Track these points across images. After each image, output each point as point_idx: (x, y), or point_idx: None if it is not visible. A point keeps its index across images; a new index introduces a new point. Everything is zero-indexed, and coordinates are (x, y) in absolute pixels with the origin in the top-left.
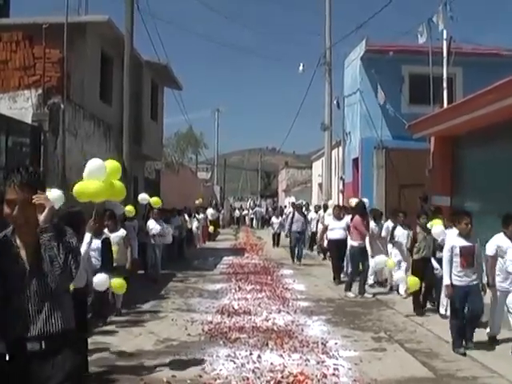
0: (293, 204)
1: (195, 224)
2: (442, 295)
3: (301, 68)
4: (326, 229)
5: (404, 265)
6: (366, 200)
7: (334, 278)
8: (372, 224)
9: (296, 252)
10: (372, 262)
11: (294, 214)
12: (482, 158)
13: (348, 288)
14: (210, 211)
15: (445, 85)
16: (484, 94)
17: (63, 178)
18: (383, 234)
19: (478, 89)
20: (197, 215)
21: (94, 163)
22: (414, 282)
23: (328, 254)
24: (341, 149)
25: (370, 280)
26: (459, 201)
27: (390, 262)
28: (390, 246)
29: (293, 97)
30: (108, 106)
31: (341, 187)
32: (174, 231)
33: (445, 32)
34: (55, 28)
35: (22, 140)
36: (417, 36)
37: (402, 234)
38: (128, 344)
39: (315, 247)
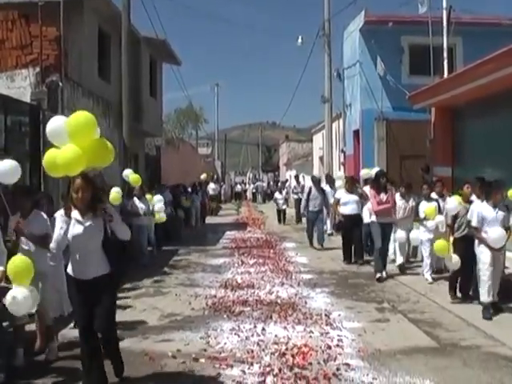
0: (312, 178)
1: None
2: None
3: (299, 40)
4: (337, 203)
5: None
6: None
7: (344, 258)
8: (397, 197)
9: (315, 234)
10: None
11: (310, 190)
12: (483, 127)
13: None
14: (211, 186)
15: (445, 55)
16: (484, 63)
17: None
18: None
19: (478, 58)
20: (194, 194)
21: (50, 125)
22: (441, 245)
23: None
24: (341, 121)
25: (400, 260)
26: (460, 171)
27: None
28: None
29: (292, 70)
30: (107, 83)
31: (342, 160)
32: (166, 208)
33: (444, 1)
34: (51, 5)
35: (20, 119)
36: (417, 6)
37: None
38: (132, 319)
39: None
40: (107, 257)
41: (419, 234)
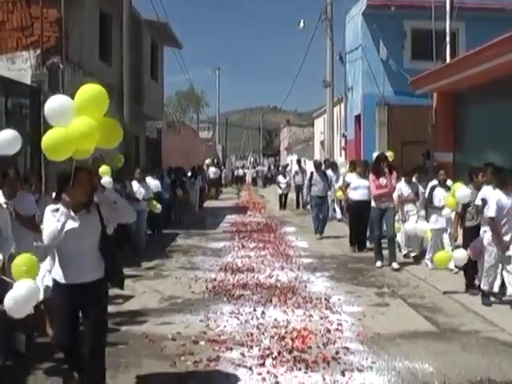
0: (314, 163)
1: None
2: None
3: (301, 24)
4: (347, 187)
5: (446, 236)
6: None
7: (351, 243)
8: (401, 183)
9: (318, 222)
10: (405, 227)
11: (311, 176)
12: (485, 113)
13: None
14: (212, 170)
15: (447, 40)
16: (487, 48)
17: None
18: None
19: (480, 44)
20: (193, 178)
21: (51, 104)
22: (443, 257)
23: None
24: (342, 106)
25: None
26: (462, 157)
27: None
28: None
29: (294, 54)
30: (107, 65)
31: (343, 144)
32: (165, 193)
33: None
34: None
35: (21, 101)
36: None
37: (442, 196)
38: (132, 302)
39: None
40: (104, 257)
41: (430, 222)
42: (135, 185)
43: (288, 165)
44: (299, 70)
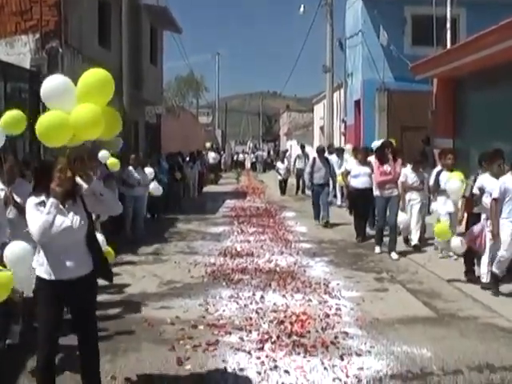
0: (317, 148)
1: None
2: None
3: (301, 9)
4: (347, 174)
5: (452, 219)
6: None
7: (357, 235)
8: (407, 170)
9: (320, 210)
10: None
11: (314, 161)
12: (485, 99)
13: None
14: (211, 155)
15: (448, 26)
16: (487, 34)
17: None
18: (430, 182)
19: (481, 30)
20: (191, 163)
21: (50, 84)
22: (442, 229)
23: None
24: (342, 91)
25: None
26: (461, 143)
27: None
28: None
29: (294, 40)
30: (107, 50)
31: (342, 130)
32: (163, 178)
33: None
34: None
35: (20, 86)
36: None
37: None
38: (131, 286)
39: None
40: (90, 250)
41: (437, 207)
42: (131, 171)
43: (287, 150)
44: (299, 56)
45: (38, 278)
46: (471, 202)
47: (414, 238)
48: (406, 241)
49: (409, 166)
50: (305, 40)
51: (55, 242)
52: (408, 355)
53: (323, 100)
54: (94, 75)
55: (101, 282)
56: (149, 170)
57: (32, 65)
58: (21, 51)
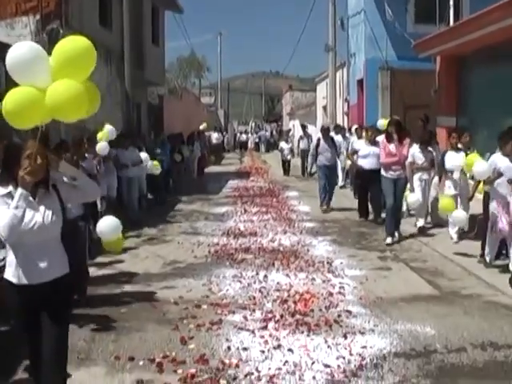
0: (321, 128)
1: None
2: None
3: None
4: (354, 153)
5: (459, 201)
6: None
7: (360, 215)
8: (415, 149)
9: (326, 194)
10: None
11: (318, 142)
12: (488, 77)
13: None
14: (214, 135)
15: (451, 3)
16: (491, 11)
17: None
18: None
19: (485, 7)
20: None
21: (17, 51)
22: (446, 203)
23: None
24: (345, 70)
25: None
26: (465, 121)
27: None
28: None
29: (296, 19)
30: (108, 31)
31: (345, 109)
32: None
33: None
34: None
35: None
36: None
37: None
38: (135, 267)
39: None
40: (65, 248)
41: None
42: (121, 152)
43: (290, 130)
44: (301, 34)
45: (6, 281)
46: (484, 181)
47: (421, 220)
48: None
49: (416, 146)
50: (307, 19)
51: (24, 240)
52: (411, 333)
53: (326, 79)
54: (72, 44)
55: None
56: (144, 155)
57: None
58: (21, 33)
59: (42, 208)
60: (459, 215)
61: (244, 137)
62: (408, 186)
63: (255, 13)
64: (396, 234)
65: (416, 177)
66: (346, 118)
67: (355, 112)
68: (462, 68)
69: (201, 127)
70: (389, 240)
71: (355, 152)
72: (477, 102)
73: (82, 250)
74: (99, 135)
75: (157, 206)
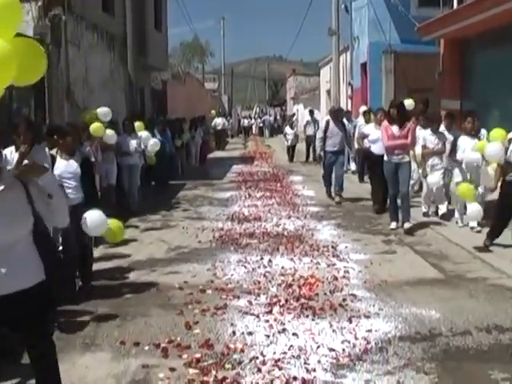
0: (330, 110)
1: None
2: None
3: None
4: (363, 138)
5: (479, 189)
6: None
7: (374, 204)
8: (426, 132)
9: (332, 181)
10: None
11: (327, 126)
12: (493, 60)
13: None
14: (218, 121)
15: None
16: None
17: (68, 91)
18: (447, 147)
19: None
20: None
21: None
22: (465, 188)
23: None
24: (348, 54)
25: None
26: (469, 104)
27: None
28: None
29: (299, 2)
30: (110, 16)
31: (349, 93)
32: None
33: None
34: None
35: None
36: None
37: (470, 146)
38: (139, 252)
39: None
40: (40, 252)
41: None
42: (123, 137)
43: (294, 114)
44: (304, 18)
45: None
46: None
47: (443, 207)
48: (437, 213)
49: (429, 129)
50: (310, 2)
51: None
52: (416, 317)
53: (329, 63)
54: None
55: (109, 249)
56: (145, 134)
57: (35, 33)
58: (24, 19)
59: (4, 204)
60: (474, 209)
61: (246, 122)
62: (420, 171)
63: None
64: (407, 224)
65: (429, 162)
66: (349, 101)
67: (359, 96)
68: (466, 51)
69: (212, 112)
70: (393, 225)
71: (365, 136)
72: (481, 84)
73: (86, 236)
74: (86, 117)
75: (160, 191)
